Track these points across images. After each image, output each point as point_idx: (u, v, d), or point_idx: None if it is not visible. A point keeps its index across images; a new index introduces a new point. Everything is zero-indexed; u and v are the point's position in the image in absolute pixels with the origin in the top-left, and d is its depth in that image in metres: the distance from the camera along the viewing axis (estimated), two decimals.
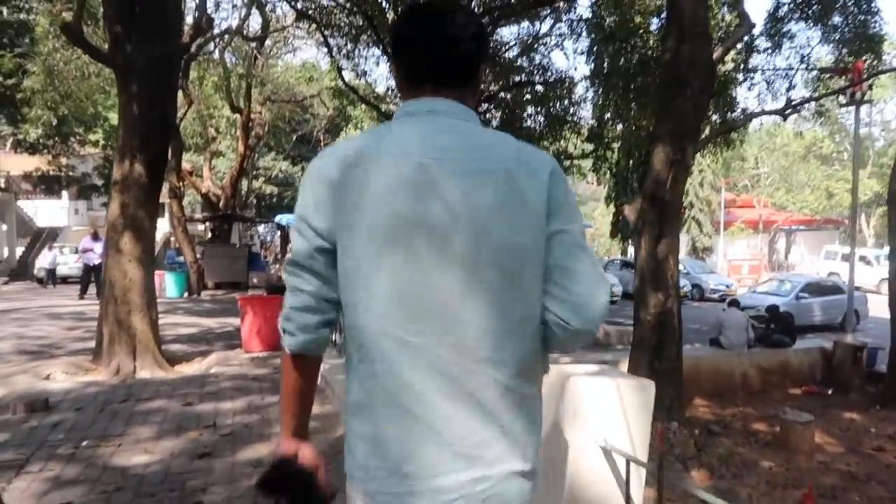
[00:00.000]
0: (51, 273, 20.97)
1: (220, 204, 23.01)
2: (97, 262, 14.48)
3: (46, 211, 30.23)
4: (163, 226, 20.39)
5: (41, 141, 24.44)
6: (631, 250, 35.41)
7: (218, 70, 21.47)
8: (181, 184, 17.82)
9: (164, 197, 14.31)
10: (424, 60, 1.29)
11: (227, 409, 5.15)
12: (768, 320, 9.82)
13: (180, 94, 18.14)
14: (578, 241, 1.24)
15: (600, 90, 15.71)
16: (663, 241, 7.64)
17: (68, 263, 21.46)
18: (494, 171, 1.20)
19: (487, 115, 16.66)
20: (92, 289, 14.68)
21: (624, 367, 7.45)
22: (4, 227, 27.23)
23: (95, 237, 14.71)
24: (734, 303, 10.00)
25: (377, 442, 1.19)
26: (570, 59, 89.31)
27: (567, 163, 20.11)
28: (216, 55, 21.18)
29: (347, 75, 18.05)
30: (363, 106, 25.32)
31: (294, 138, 36.62)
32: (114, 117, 29.56)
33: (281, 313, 1.31)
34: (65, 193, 32.13)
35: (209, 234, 24.40)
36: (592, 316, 1.21)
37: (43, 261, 21.56)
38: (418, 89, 1.30)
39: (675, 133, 7.08)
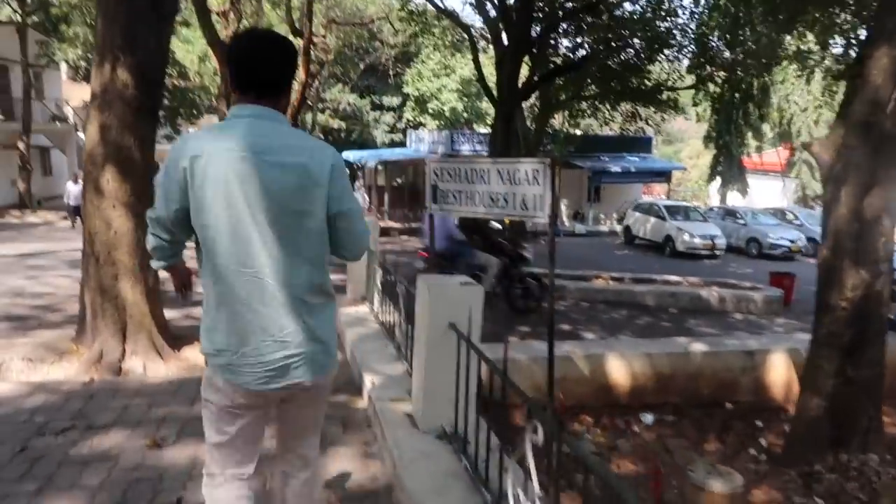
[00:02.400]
0: (76, 210, 17.00)
1: None
2: None
3: None
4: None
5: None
6: (731, 197, 32.01)
7: None
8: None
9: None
10: (246, 75, 1.89)
11: None
12: None
13: (228, 9, 16.10)
14: (354, 216, 1.98)
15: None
16: (875, 193, 5.12)
17: None
18: (295, 165, 1.85)
19: (568, 45, 13.83)
20: None
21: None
22: (65, 160, 26.48)
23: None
24: None
25: (226, 333, 1.87)
26: None
27: (664, 95, 17.12)
28: None
29: None
30: (435, 31, 22.74)
31: (362, 68, 34.26)
32: (174, 44, 28.01)
33: (149, 247, 2.11)
34: None
35: None
36: (359, 255, 2.10)
37: (68, 196, 17.91)
38: (245, 95, 1.90)
39: None
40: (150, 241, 2.08)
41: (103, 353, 4.95)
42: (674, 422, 6.12)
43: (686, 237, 19.57)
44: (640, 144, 28.75)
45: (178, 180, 1.83)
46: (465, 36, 14.01)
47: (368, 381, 3.99)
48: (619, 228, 26.65)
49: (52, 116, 25.47)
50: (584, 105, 17.71)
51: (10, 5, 22.33)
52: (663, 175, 29.71)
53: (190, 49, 32.95)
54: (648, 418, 6.11)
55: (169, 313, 5.58)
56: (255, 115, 1.85)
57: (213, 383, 1.93)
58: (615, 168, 27.43)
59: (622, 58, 14.69)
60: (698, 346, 6.67)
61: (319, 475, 2.56)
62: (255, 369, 1.85)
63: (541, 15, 10.76)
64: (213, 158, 1.79)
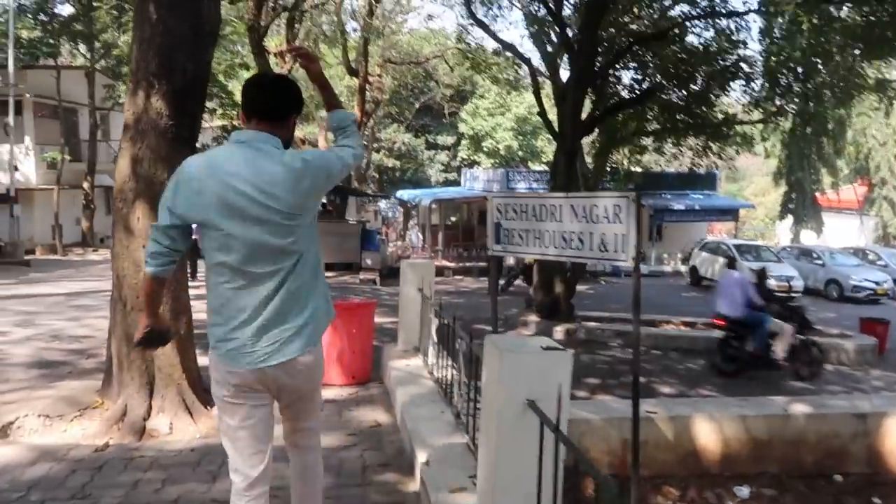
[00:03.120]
0: None
1: None
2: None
3: None
4: None
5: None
6: (804, 235, 30.26)
7: (330, 19, 19.28)
8: None
9: None
10: (250, 105, 2.28)
11: None
12: None
13: (285, 49, 16.09)
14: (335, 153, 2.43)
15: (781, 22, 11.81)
16: None
17: None
18: (279, 181, 2.17)
19: (622, 81, 12.96)
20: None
21: None
22: None
23: None
24: None
25: (227, 326, 2.22)
26: None
27: (733, 130, 16.16)
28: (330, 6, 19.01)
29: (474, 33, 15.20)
30: (492, 67, 22.45)
31: (417, 107, 34.31)
32: (235, 87, 28.62)
33: (146, 252, 2.27)
34: None
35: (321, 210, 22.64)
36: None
37: None
38: (249, 122, 2.28)
39: None
40: (150, 247, 2.25)
41: (127, 410, 4.42)
42: (773, 496, 5.22)
43: None
44: (704, 181, 27.54)
45: (178, 197, 2.17)
46: (521, 72, 13.57)
47: (422, 456, 3.31)
48: (683, 269, 25.38)
49: (116, 157, 26.15)
50: (646, 140, 16.93)
51: (79, 51, 23.20)
52: (730, 213, 28.35)
53: None
54: (744, 492, 5.22)
55: (204, 360, 5.05)
56: (247, 140, 2.22)
57: None
58: (678, 206, 26.31)
59: (689, 90, 13.88)
60: (799, 408, 5.74)
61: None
62: (246, 357, 2.26)
63: (606, 45, 10.19)
64: (210, 181, 2.15)
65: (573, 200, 4.47)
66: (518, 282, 17.12)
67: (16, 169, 20.10)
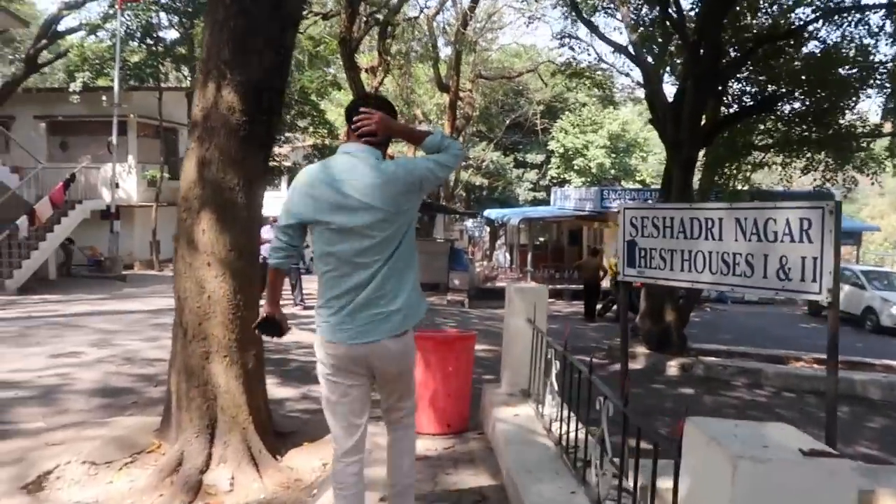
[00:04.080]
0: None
1: None
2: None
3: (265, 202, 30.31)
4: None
5: None
6: None
7: (421, 32, 18.83)
8: None
9: None
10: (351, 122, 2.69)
11: None
12: None
13: (377, 65, 15.67)
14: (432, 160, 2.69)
15: None
16: None
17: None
18: (377, 184, 2.52)
19: (744, 87, 11.61)
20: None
21: None
22: None
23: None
24: None
25: (330, 308, 2.57)
26: None
27: (863, 144, 14.38)
28: (422, 19, 18.56)
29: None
30: (586, 82, 21.38)
31: (506, 124, 33.52)
32: (326, 105, 28.83)
33: (270, 248, 2.68)
34: (283, 184, 32.34)
35: None
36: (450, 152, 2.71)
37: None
38: (350, 138, 2.68)
39: None
40: (273, 243, 2.66)
41: (183, 459, 3.71)
42: None
43: (894, 310, 16.25)
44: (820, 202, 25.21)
45: (297, 202, 2.60)
46: (618, 85, 12.52)
47: None
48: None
49: None
50: (758, 156, 15.39)
51: (181, 73, 23.88)
52: (851, 236, 25.74)
53: (341, 112, 34.10)
54: None
55: (283, 391, 4.32)
56: (351, 151, 2.62)
57: None
58: None
59: (816, 98, 12.35)
60: None
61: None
62: (351, 337, 2.64)
63: (733, 42, 9.01)
64: (322, 185, 2.56)
65: (739, 212, 3.44)
66: (615, 307, 15.83)
67: (117, 186, 20.68)
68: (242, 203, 3.94)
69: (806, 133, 13.71)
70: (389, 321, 2.53)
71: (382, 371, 2.62)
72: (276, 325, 2.69)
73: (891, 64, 12.34)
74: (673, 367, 9.23)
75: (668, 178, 10.61)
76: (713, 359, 9.67)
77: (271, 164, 26.24)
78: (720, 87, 9.66)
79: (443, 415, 4.32)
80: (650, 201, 21.80)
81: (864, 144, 14.54)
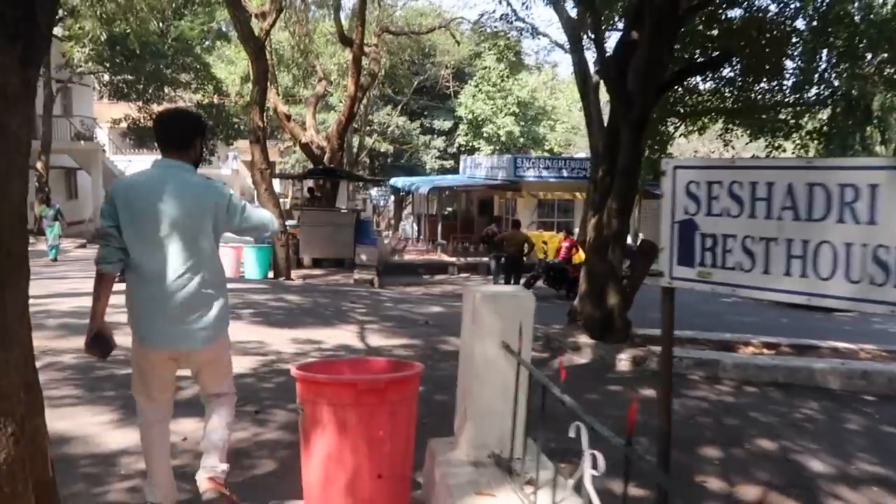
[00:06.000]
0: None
1: (325, 158, 18.38)
2: None
3: (141, 167, 26.77)
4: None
5: (125, 83, 20.86)
6: None
7: None
8: (264, 125, 13.01)
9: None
10: (161, 136, 2.83)
11: None
12: None
13: (268, 9, 13.37)
14: (244, 207, 2.92)
15: None
16: None
17: None
18: (185, 195, 2.71)
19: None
20: None
21: None
22: (90, 179, 24.21)
23: None
24: None
25: (141, 316, 2.74)
26: None
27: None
28: None
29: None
30: (500, 43, 19.98)
31: (413, 86, 31.56)
32: (215, 62, 25.71)
33: (97, 257, 2.73)
34: None
35: (306, 197, 19.90)
36: (266, 224, 3.05)
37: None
38: (162, 151, 2.81)
39: None
40: (100, 253, 2.73)
41: None
42: None
43: None
44: None
45: (113, 207, 2.69)
46: (528, 49, 11.15)
47: None
48: None
49: (77, 135, 23.25)
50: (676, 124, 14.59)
51: None
52: None
53: (232, 70, 30.83)
54: None
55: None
56: (161, 164, 2.78)
57: None
58: None
59: (752, 62, 11.46)
60: None
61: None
62: (160, 346, 2.85)
63: None
64: (134, 193, 2.70)
65: None
66: (540, 283, 14.60)
67: None
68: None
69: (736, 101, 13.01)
70: (198, 333, 2.83)
71: None
72: (103, 336, 2.79)
73: (807, 34, 11.66)
74: (624, 361, 7.95)
75: (609, 143, 9.26)
76: None
77: (149, 123, 23.19)
78: (678, 33, 8.37)
79: (361, 496, 2.57)
80: (584, 173, 20.50)
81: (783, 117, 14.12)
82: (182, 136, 2.77)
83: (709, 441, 5.58)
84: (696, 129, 13.41)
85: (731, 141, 13.95)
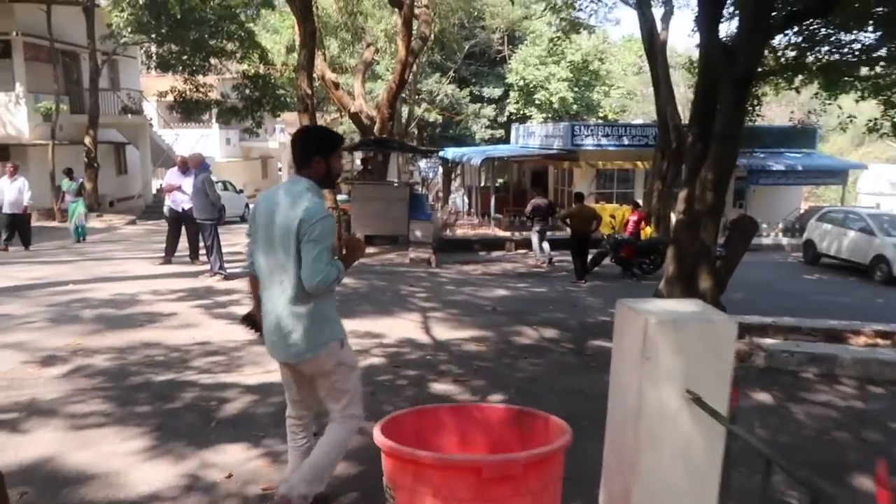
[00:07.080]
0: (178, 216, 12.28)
1: (375, 129, 17.48)
2: (187, 206, 9.48)
3: (188, 140, 26.42)
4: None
5: (170, 53, 20.30)
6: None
7: None
8: (312, 91, 12.07)
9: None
10: (292, 153, 2.90)
11: None
12: None
13: None
14: (312, 245, 2.68)
15: None
16: None
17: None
18: (280, 209, 2.73)
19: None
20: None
21: None
22: (138, 154, 23.94)
23: (185, 168, 9.63)
24: None
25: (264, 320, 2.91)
26: None
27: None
28: None
29: None
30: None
31: (465, 51, 30.28)
32: (259, 32, 25.00)
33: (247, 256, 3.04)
34: (214, 122, 28.38)
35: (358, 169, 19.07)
36: (313, 280, 2.67)
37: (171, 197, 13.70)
38: (292, 167, 3.02)
39: None
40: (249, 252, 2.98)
41: None
42: None
43: None
44: (802, 138, 23.18)
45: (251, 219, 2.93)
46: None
47: None
48: (786, 241, 21.42)
49: (124, 108, 22.87)
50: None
51: None
52: (836, 175, 24.02)
53: (277, 39, 30.05)
54: None
55: None
56: (288, 180, 2.90)
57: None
58: (777, 166, 22.12)
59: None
60: None
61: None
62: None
63: None
64: (259, 209, 2.86)
65: None
66: (606, 261, 13.49)
67: None
68: None
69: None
70: (291, 349, 2.86)
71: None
72: (255, 318, 3.00)
73: None
74: None
75: (702, 102, 8.09)
76: (770, 341, 7.37)
77: (195, 95, 22.54)
78: None
79: None
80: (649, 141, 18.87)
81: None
82: (303, 155, 2.81)
83: (858, 467, 4.48)
84: (791, 87, 11.93)
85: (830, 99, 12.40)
